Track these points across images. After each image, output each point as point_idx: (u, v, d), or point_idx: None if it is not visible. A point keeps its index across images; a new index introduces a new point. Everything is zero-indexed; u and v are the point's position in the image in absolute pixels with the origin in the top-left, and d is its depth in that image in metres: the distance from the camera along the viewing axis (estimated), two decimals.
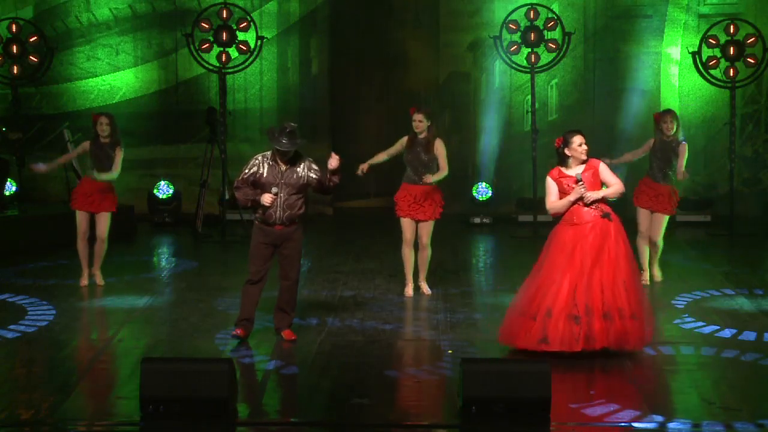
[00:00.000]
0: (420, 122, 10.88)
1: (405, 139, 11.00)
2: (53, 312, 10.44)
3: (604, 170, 8.91)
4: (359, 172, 11.02)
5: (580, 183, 8.75)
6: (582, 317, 8.63)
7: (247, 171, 9.21)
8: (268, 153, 9.22)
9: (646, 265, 11.67)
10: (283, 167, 9.14)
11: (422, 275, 11.25)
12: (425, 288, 11.23)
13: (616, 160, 11.86)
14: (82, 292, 11.44)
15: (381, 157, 11.12)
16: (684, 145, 11.40)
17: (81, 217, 11.55)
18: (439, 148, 10.89)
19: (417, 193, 10.91)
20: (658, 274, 11.77)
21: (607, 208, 8.85)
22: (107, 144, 11.43)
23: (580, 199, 8.77)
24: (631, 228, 14.42)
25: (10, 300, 11.05)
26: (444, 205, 11.08)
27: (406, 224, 11.02)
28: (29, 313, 10.44)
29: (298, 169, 9.17)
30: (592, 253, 8.71)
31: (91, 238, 11.67)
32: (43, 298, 11.02)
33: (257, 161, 9.22)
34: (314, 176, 9.20)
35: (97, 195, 11.49)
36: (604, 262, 8.71)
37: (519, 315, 8.83)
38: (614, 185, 8.88)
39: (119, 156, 11.43)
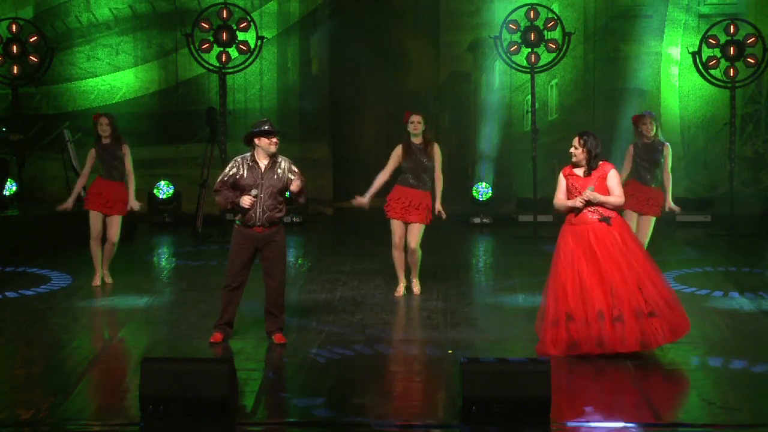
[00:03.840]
0: (418, 123, 10.87)
1: (399, 148, 10.95)
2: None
3: (611, 177, 8.91)
4: (361, 203, 10.97)
5: (591, 193, 8.78)
6: (592, 322, 8.68)
7: (226, 173, 9.14)
8: (248, 155, 9.13)
9: None
10: (263, 168, 9.07)
11: (413, 273, 11.18)
12: (416, 287, 11.17)
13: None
14: (84, 293, 11.43)
15: (381, 179, 11.04)
16: (667, 146, 11.41)
17: (94, 218, 11.49)
18: (437, 153, 10.91)
19: (413, 197, 10.87)
20: None
21: (607, 212, 8.87)
22: (110, 144, 11.44)
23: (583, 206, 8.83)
24: None
25: (10, 296, 11.06)
26: (431, 211, 11.00)
27: (397, 226, 10.97)
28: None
29: (279, 170, 9.08)
30: (590, 256, 8.76)
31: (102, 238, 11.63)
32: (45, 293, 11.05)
33: (237, 163, 9.13)
34: (293, 178, 9.10)
35: (111, 196, 11.46)
36: (608, 264, 8.74)
37: (545, 323, 8.90)
38: (616, 197, 8.89)
39: (128, 155, 11.48)
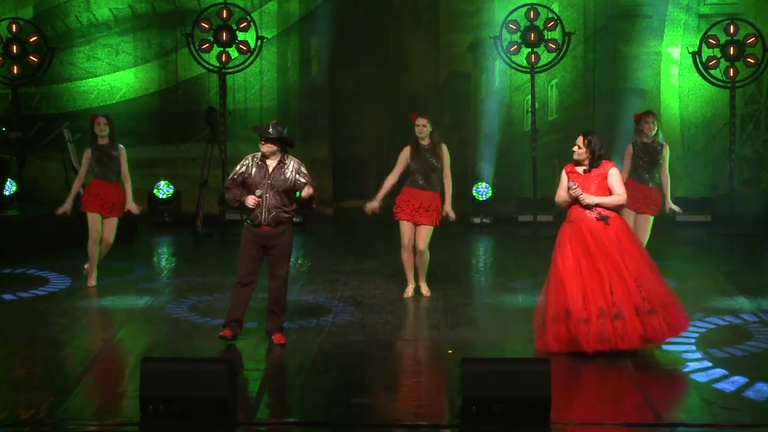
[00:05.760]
0: (424, 127, 10.80)
1: (407, 149, 10.88)
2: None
3: (612, 176, 8.93)
4: (373, 208, 10.94)
5: (573, 188, 8.84)
6: (592, 320, 8.67)
7: (237, 171, 9.19)
8: (258, 153, 9.16)
9: None
10: (270, 168, 9.09)
11: (421, 276, 11.16)
12: (425, 289, 11.17)
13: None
14: (84, 293, 11.42)
15: (390, 181, 10.96)
16: (666, 146, 11.41)
17: (93, 220, 11.42)
18: (446, 154, 10.81)
19: (423, 199, 10.80)
20: None
21: (605, 212, 8.88)
22: (107, 145, 11.41)
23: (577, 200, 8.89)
24: None
25: (8, 299, 11.06)
26: (440, 213, 10.94)
27: (406, 228, 10.92)
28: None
29: (287, 171, 9.09)
30: (587, 253, 8.77)
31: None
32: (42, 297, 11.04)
33: (247, 161, 9.18)
34: (302, 180, 9.10)
35: (107, 198, 11.39)
36: (606, 262, 8.76)
37: (546, 320, 8.90)
38: (615, 196, 8.92)
39: (123, 157, 11.39)
